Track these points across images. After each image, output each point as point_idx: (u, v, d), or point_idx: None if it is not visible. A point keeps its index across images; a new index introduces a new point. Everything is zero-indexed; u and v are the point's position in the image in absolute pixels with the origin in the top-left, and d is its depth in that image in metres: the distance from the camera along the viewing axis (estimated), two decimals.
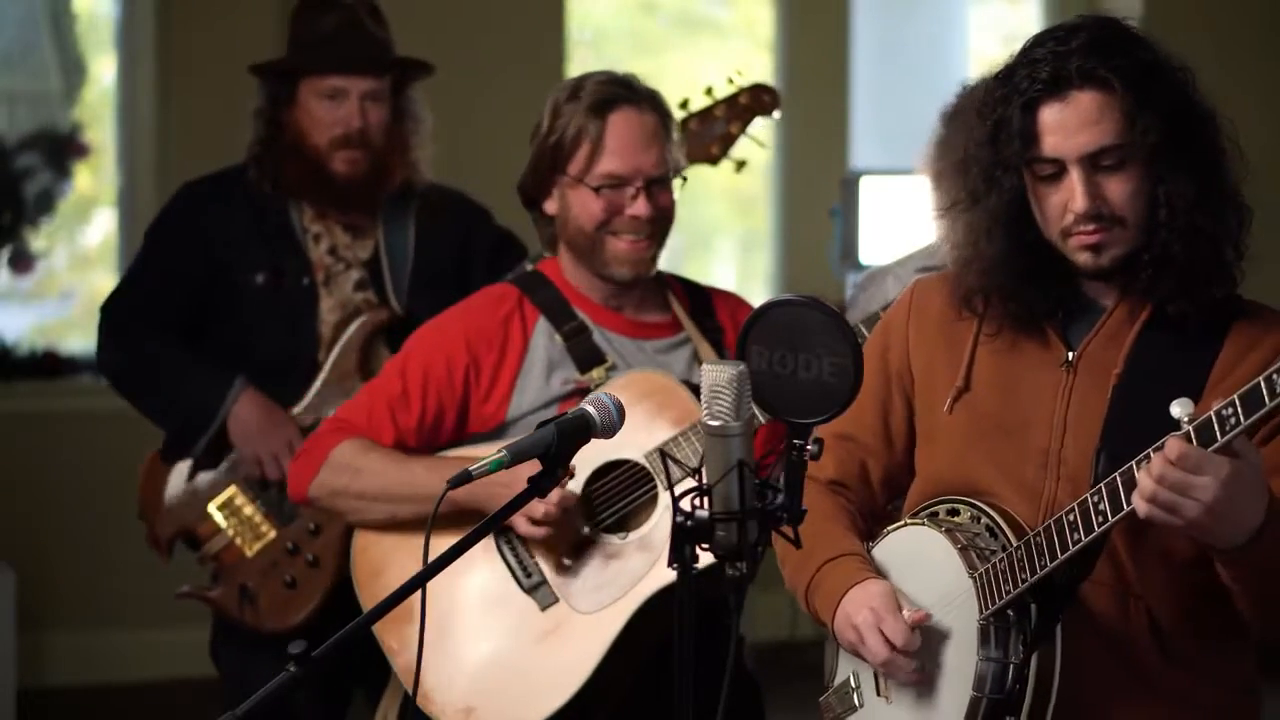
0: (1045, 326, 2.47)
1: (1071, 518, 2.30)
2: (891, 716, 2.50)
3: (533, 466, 2.19)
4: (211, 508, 3.71)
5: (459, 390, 3.16)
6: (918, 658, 2.42)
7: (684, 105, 3.65)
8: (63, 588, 5.94)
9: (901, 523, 2.55)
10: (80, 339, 6.40)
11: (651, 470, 3.06)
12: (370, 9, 3.75)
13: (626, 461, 3.08)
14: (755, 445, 2.11)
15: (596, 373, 3.15)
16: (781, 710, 3.46)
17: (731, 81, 3.67)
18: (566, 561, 3.07)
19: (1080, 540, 2.29)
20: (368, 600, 3.16)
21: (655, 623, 2.98)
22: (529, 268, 3.38)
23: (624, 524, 3.08)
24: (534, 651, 3.05)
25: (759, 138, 3.72)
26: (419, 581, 2.17)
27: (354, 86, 3.68)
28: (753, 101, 3.68)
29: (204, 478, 3.75)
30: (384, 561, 3.16)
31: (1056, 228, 2.40)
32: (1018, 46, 2.45)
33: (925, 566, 2.47)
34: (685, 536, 2.06)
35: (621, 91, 3.13)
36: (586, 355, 3.16)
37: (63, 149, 6.07)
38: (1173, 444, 2.17)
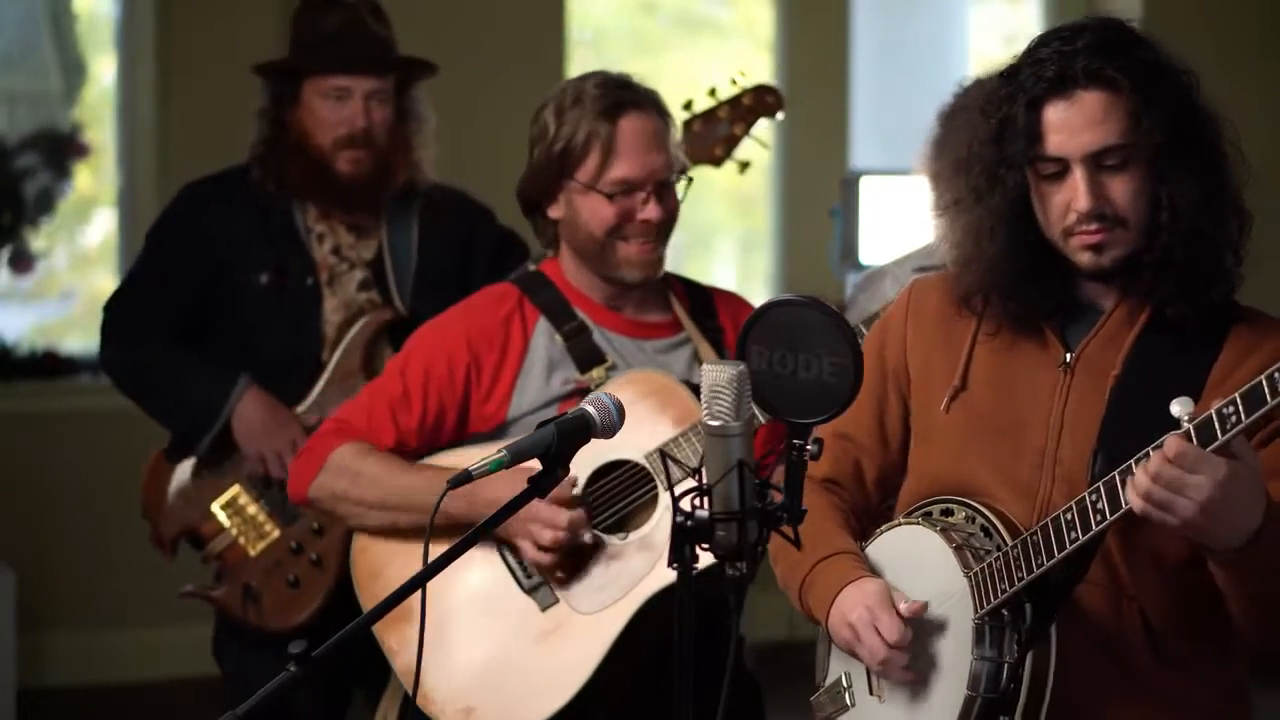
0: (1043, 327, 2.48)
1: (1069, 516, 2.30)
2: (884, 715, 2.50)
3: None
4: (215, 507, 3.72)
5: (460, 390, 3.16)
6: (912, 656, 2.42)
7: (688, 106, 3.65)
8: (63, 588, 5.94)
9: (895, 522, 2.56)
10: (80, 339, 6.40)
11: (651, 471, 3.06)
12: (373, 8, 3.75)
13: (626, 462, 3.08)
14: (755, 445, 2.11)
15: (596, 373, 3.15)
16: (781, 710, 3.45)
17: (735, 83, 3.67)
18: (566, 565, 3.07)
19: (1078, 539, 2.29)
20: (367, 601, 3.16)
21: (656, 623, 2.98)
22: (531, 268, 3.38)
23: (624, 524, 3.08)
24: (534, 652, 3.05)
25: (761, 138, 3.71)
26: (419, 581, 2.17)
27: (358, 86, 3.69)
28: (756, 103, 3.67)
29: (208, 476, 3.75)
30: (384, 562, 3.16)
31: (1058, 227, 2.41)
32: (1020, 46, 2.46)
33: (920, 565, 2.47)
34: (685, 536, 2.06)
35: (627, 95, 3.13)
36: (586, 355, 3.17)
37: (63, 149, 6.07)
38: (1171, 442, 2.18)
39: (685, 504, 2.06)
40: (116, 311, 3.86)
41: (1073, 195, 2.38)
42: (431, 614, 2.85)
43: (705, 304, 3.29)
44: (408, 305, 3.73)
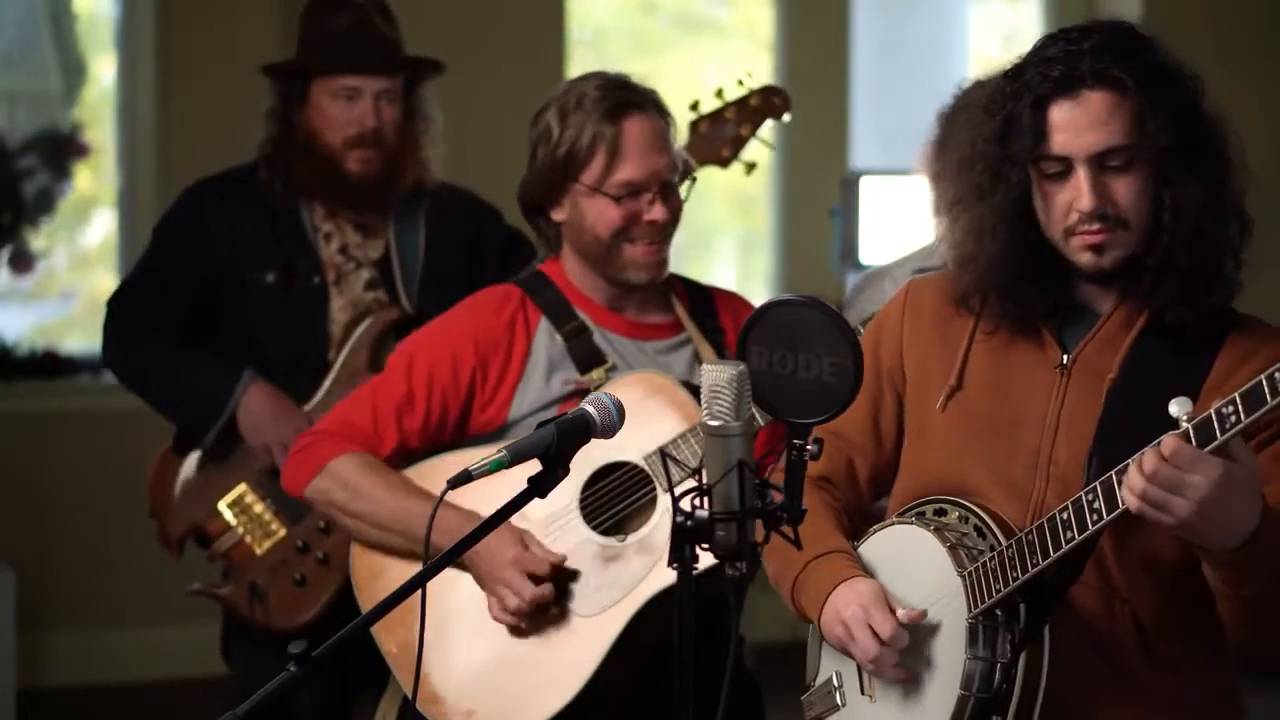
0: (1041, 328, 2.48)
1: (1065, 516, 2.30)
2: (876, 715, 2.50)
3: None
4: (221, 505, 3.72)
5: (464, 393, 3.16)
6: (904, 655, 2.42)
7: (695, 107, 3.66)
8: (63, 588, 5.94)
9: (888, 521, 2.56)
10: (80, 339, 6.40)
11: (650, 472, 3.06)
12: (380, 8, 3.77)
13: (626, 464, 3.08)
14: (756, 446, 2.11)
15: (596, 373, 3.15)
16: (781, 710, 3.45)
17: (742, 84, 3.67)
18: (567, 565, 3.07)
19: (1074, 539, 2.29)
20: (367, 602, 3.16)
21: (656, 624, 2.98)
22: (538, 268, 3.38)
23: (623, 526, 3.08)
24: (535, 654, 3.05)
25: (766, 139, 3.71)
26: (419, 582, 2.17)
27: (368, 86, 3.70)
28: (763, 104, 3.67)
29: (215, 474, 3.75)
30: (383, 564, 3.16)
31: (1060, 227, 2.41)
32: (1020, 46, 2.46)
33: (913, 565, 2.47)
34: (685, 536, 2.06)
35: (630, 96, 3.13)
36: (587, 356, 3.17)
37: (63, 149, 6.07)
38: (1168, 441, 2.18)
39: (685, 504, 2.06)
40: (120, 309, 3.87)
41: (1075, 195, 2.38)
42: (431, 615, 2.86)
43: (706, 304, 3.29)
44: (414, 304, 3.74)
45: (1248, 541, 2.23)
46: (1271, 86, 6.82)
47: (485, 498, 2.97)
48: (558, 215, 3.18)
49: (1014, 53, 2.48)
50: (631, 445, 3.04)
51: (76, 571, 5.96)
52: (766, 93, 3.68)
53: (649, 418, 3.05)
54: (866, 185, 5.84)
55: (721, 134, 3.65)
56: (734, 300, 3.36)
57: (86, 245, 6.56)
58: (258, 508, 3.70)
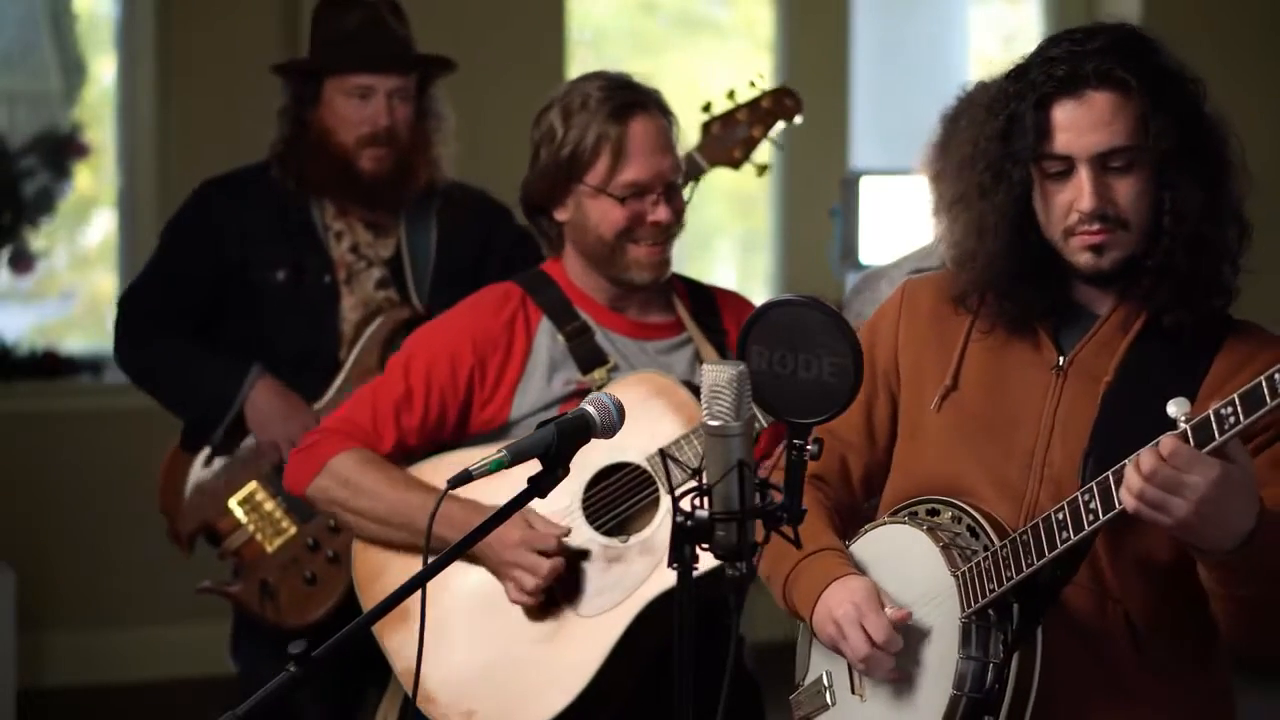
0: (1037, 328, 2.48)
1: (1060, 516, 2.30)
2: (866, 714, 2.50)
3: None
4: (232, 503, 3.73)
5: (462, 392, 3.16)
6: (896, 655, 2.42)
7: (707, 108, 3.66)
8: (63, 588, 5.94)
9: (881, 520, 2.55)
10: (80, 339, 6.40)
11: (653, 473, 3.06)
12: (392, 7, 3.78)
13: (628, 465, 3.08)
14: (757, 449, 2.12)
15: (598, 374, 3.15)
16: (781, 710, 3.44)
17: (754, 85, 3.67)
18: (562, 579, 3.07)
19: (1069, 539, 2.29)
20: (368, 601, 3.16)
21: (657, 626, 2.98)
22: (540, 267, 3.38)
23: (625, 527, 3.08)
24: (536, 654, 3.05)
25: (775, 140, 3.71)
26: (419, 581, 2.17)
27: (381, 85, 3.71)
28: (775, 106, 3.68)
29: (225, 472, 3.76)
30: (384, 563, 3.16)
31: (1060, 227, 2.41)
32: (1020, 46, 2.47)
33: (906, 564, 2.47)
34: (685, 536, 2.06)
35: (634, 97, 3.13)
36: (588, 356, 3.17)
37: (63, 149, 6.07)
38: (1166, 441, 2.18)
39: (685, 504, 2.06)
40: (130, 307, 3.89)
41: (1077, 195, 2.38)
42: (432, 615, 2.86)
43: (708, 304, 3.29)
44: (425, 303, 3.74)
45: (1244, 542, 2.23)
46: (1272, 88, 6.82)
47: (487, 497, 2.97)
48: (561, 215, 3.18)
49: (1014, 53, 2.48)
50: (634, 446, 3.04)
51: (76, 571, 5.96)
52: (778, 94, 3.68)
53: (651, 419, 3.05)
54: (866, 185, 5.84)
55: (733, 135, 3.65)
56: (735, 300, 3.36)
57: (86, 245, 6.56)
58: (268, 505, 3.70)
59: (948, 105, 3.32)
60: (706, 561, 2.11)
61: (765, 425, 2.84)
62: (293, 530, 3.69)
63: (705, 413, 2.06)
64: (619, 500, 3.09)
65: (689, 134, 3.65)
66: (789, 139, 6.60)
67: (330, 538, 3.66)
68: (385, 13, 3.75)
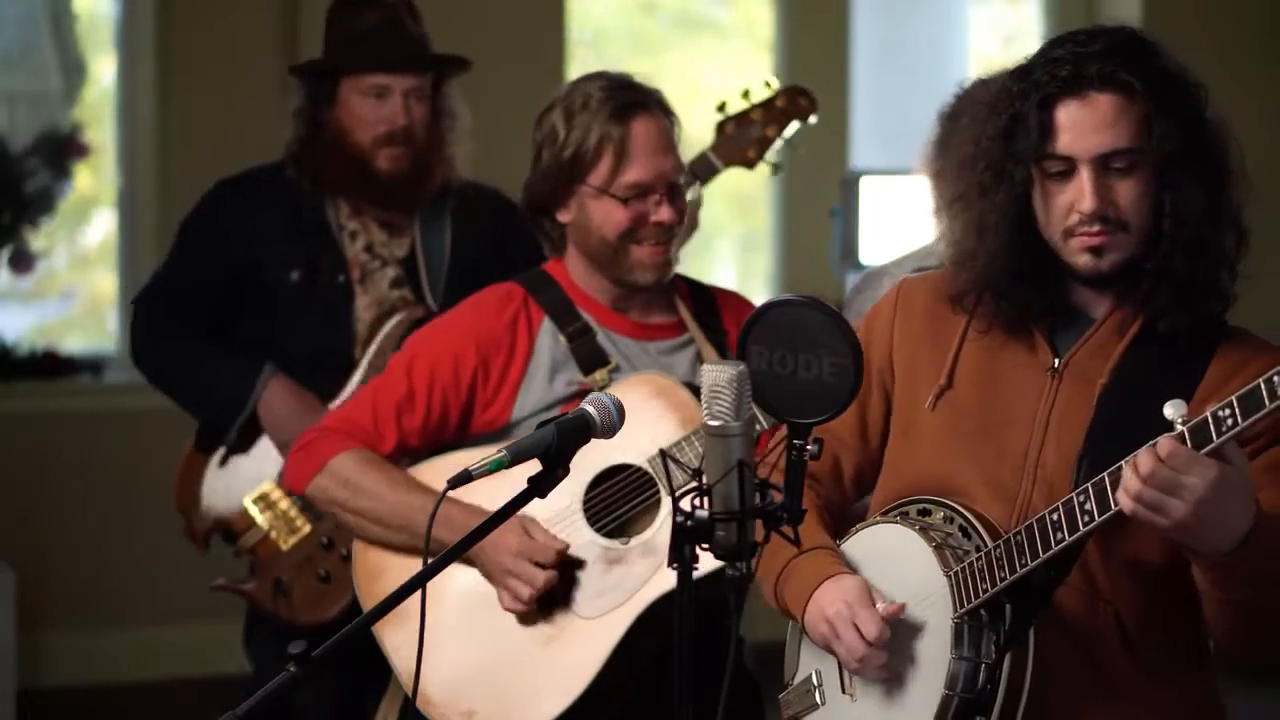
0: (1033, 330, 2.48)
1: (1055, 517, 2.30)
2: (856, 714, 2.50)
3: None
4: (247, 502, 3.74)
5: (464, 393, 3.15)
6: (888, 655, 2.42)
7: (721, 108, 3.66)
8: (63, 588, 5.94)
9: (873, 520, 2.55)
10: (80, 339, 6.40)
11: (654, 474, 3.05)
12: (408, 7, 3.80)
13: (629, 466, 3.08)
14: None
15: (599, 374, 3.15)
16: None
17: (768, 85, 3.67)
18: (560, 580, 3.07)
19: (1064, 540, 2.29)
20: (368, 601, 3.16)
21: (658, 627, 2.97)
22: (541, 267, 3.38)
23: (627, 529, 3.08)
24: (537, 656, 3.05)
25: (795, 142, 3.71)
26: (419, 581, 2.17)
27: (398, 84, 3.72)
28: (790, 105, 3.68)
29: (240, 470, 3.76)
30: (385, 563, 3.16)
31: (1060, 227, 2.41)
32: (1020, 46, 2.47)
33: (898, 564, 2.47)
34: (685, 536, 2.06)
35: (636, 97, 3.13)
36: (590, 357, 3.16)
37: (63, 149, 6.07)
38: (1164, 442, 2.18)
39: (685, 504, 2.06)
40: (145, 307, 3.91)
41: (1077, 196, 2.38)
42: (432, 616, 2.85)
43: (709, 305, 3.29)
44: (439, 303, 3.75)
45: (1241, 544, 2.23)
46: (1272, 90, 6.82)
47: (488, 496, 2.97)
48: (563, 217, 3.18)
49: (1014, 53, 2.49)
50: (635, 447, 3.03)
51: (76, 571, 5.96)
52: (793, 94, 3.68)
53: (653, 420, 3.04)
54: (866, 185, 5.84)
55: (747, 135, 3.65)
56: (736, 301, 3.36)
57: (86, 245, 6.56)
58: (283, 504, 3.71)
59: (946, 103, 3.32)
60: (707, 563, 2.11)
61: (766, 426, 2.84)
62: (307, 529, 3.70)
63: (705, 413, 2.06)
64: (620, 502, 3.09)
65: (703, 134, 3.65)
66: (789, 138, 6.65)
67: (344, 536, 3.66)
68: (402, 13, 3.77)
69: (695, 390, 3.05)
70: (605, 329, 3.19)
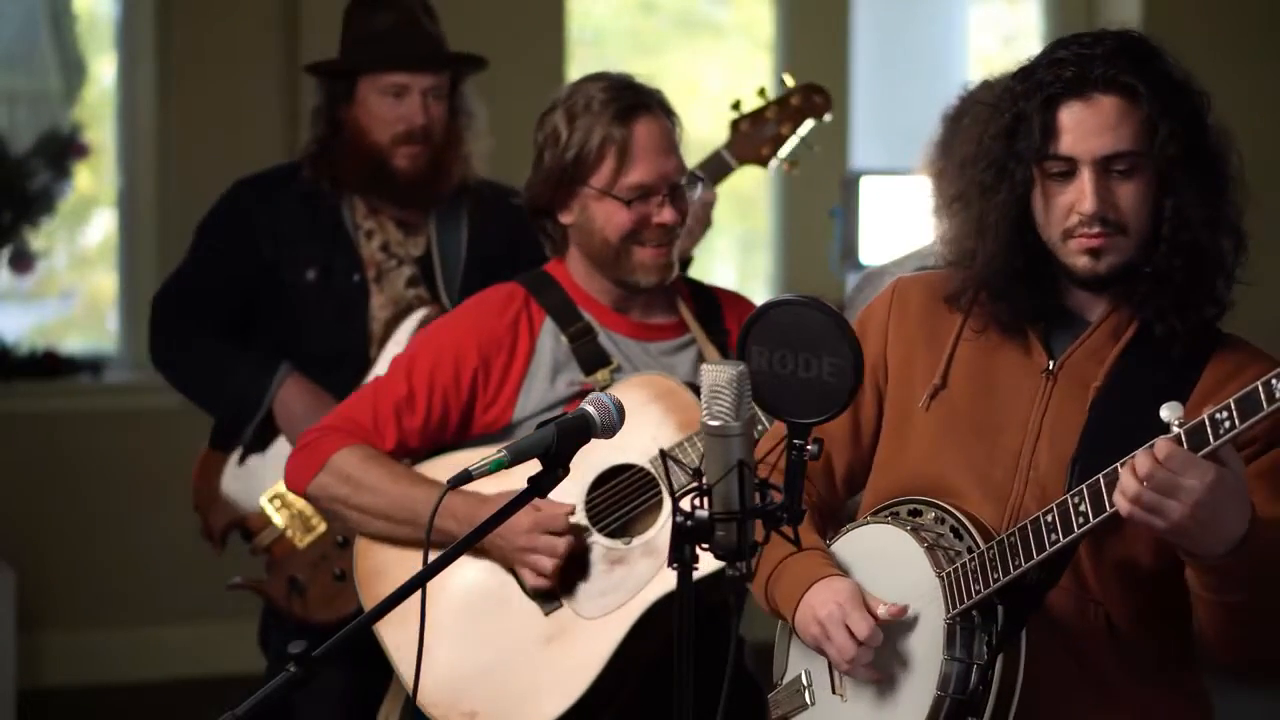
0: (1028, 332, 2.48)
1: (1050, 518, 2.30)
2: (847, 714, 2.50)
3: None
4: (263, 500, 3.74)
5: (465, 394, 3.15)
6: (879, 656, 2.42)
7: (736, 106, 3.66)
8: (63, 588, 5.94)
9: (863, 520, 2.55)
10: (80, 339, 6.40)
11: (655, 474, 3.05)
12: (424, 6, 3.81)
13: (631, 467, 3.08)
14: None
15: (601, 375, 3.15)
16: None
17: (784, 82, 3.67)
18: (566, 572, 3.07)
19: (1058, 541, 2.29)
20: (368, 601, 3.16)
21: (660, 628, 2.98)
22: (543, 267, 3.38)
23: (629, 529, 3.08)
24: (538, 656, 3.05)
25: (809, 140, 3.71)
26: (419, 582, 2.17)
27: (416, 83, 3.73)
28: (804, 103, 3.68)
29: (257, 469, 3.77)
30: (386, 561, 3.16)
31: (1059, 228, 2.41)
32: (1020, 46, 2.48)
33: (889, 564, 2.46)
34: (685, 536, 2.06)
35: (638, 98, 3.13)
36: (591, 357, 3.16)
37: (63, 149, 6.07)
38: (1162, 444, 2.18)
39: (685, 504, 2.06)
40: (164, 306, 3.92)
41: (1078, 197, 2.38)
42: (434, 616, 2.86)
43: (711, 306, 3.29)
44: (455, 301, 3.75)
45: (1236, 547, 2.23)
46: (1272, 87, 6.82)
47: (490, 491, 2.97)
48: (565, 218, 3.18)
49: (1014, 53, 2.49)
50: (637, 447, 3.04)
51: (76, 571, 5.96)
52: (807, 91, 3.68)
53: (654, 420, 3.04)
54: (866, 185, 5.84)
55: (762, 133, 3.66)
56: (738, 301, 3.36)
57: (86, 245, 6.56)
58: (299, 503, 3.71)
59: (949, 104, 3.32)
60: (708, 564, 2.11)
61: (767, 426, 2.84)
62: (322, 528, 3.70)
63: (705, 413, 2.06)
64: (622, 502, 3.09)
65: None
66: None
67: None
68: (419, 12, 3.79)
69: (697, 390, 3.05)
70: (607, 329, 3.19)
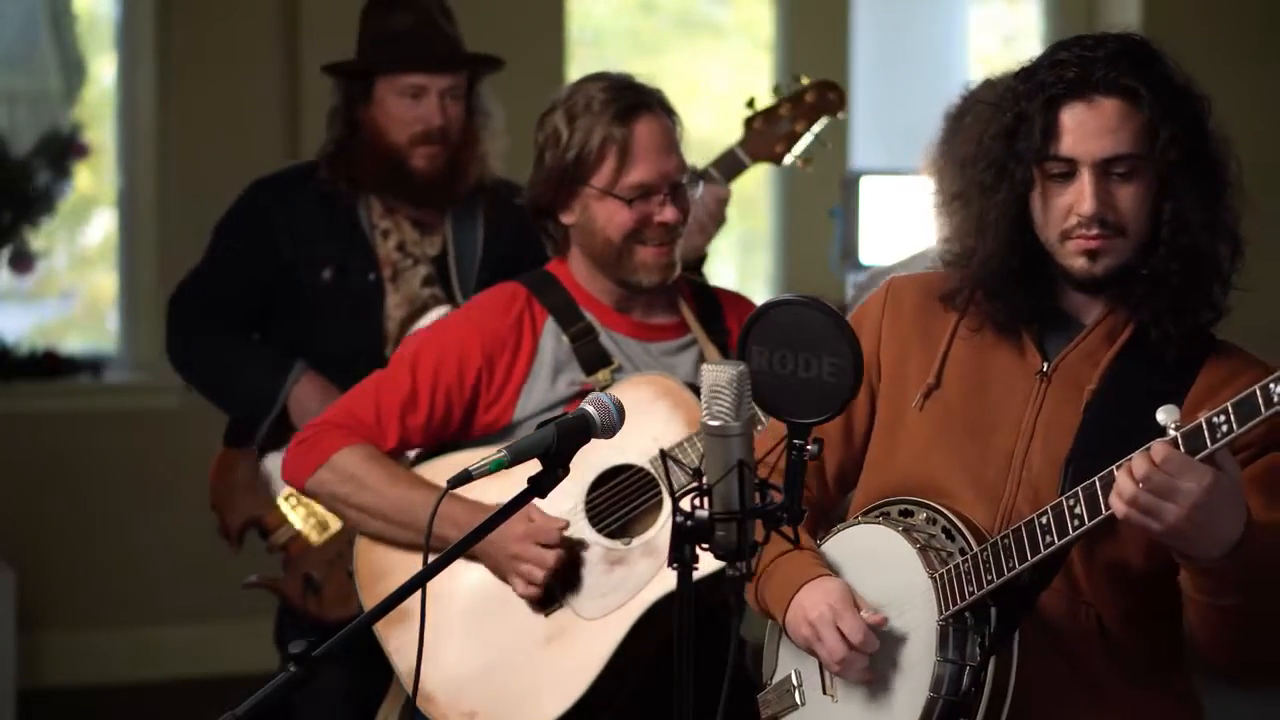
0: (1022, 333, 2.48)
1: (1044, 520, 2.30)
2: (838, 715, 2.49)
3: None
4: (280, 499, 3.74)
5: (468, 394, 3.15)
6: (871, 657, 2.42)
7: (750, 104, 3.66)
8: (63, 588, 5.94)
9: (854, 520, 2.54)
10: (80, 339, 6.40)
11: (655, 475, 3.05)
12: (441, 7, 3.81)
13: (631, 467, 3.08)
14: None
15: (602, 375, 3.15)
16: None
17: (798, 79, 3.67)
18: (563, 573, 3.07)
19: (1053, 543, 2.29)
20: (369, 601, 3.16)
21: (660, 628, 2.97)
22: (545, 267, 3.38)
23: (629, 529, 3.08)
24: (538, 656, 3.05)
25: (823, 137, 3.71)
26: (419, 582, 2.17)
27: (434, 84, 3.75)
28: (819, 100, 3.68)
29: (274, 467, 3.78)
30: (388, 563, 3.16)
31: (1057, 229, 2.41)
32: (1020, 46, 2.48)
33: (881, 565, 2.46)
34: (685, 536, 2.06)
35: (638, 98, 3.13)
36: (593, 357, 3.16)
37: (63, 149, 6.07)
38: (1159, 447, 2.18)
39: (685, 504, 2.06)
40: (181, 307, 3.94)
41: (1077, 198, 2.38)
42: (434, 617, 2.85)
43: (712, 305, 3.29)
44: None
45: (1232, 550, 2.23)
46: (1272, 88, 6.82)
47: (489, 498, 2.97)
48: (567, 218, 3.18)
49: (1014, 53, 2.49)
50: (637, 448, 3.03)
51: (76, 571, 5.96)
52: (822, 88, 3.68)
53: (655, 420, 3.04)
54: (866, 185, 5.84)
55: (776, 131, 3.66)
56: (739, 301, 3.36)
57: (86, 245, 6.56)
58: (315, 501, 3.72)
59: (952, 103, 3.31)
60: (708, 564, 2.11)
61: (766, 426, 2.84)
62: (337, 526, 3.71)
63: (705, 413, 2.07)
64: (622, 502, 3.09)
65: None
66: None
67: None
68: (436, 13, 3.80)
69: (698, 390, 3.05)
70: (608, 329, 3.19)
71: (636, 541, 3.05)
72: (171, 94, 6.04)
